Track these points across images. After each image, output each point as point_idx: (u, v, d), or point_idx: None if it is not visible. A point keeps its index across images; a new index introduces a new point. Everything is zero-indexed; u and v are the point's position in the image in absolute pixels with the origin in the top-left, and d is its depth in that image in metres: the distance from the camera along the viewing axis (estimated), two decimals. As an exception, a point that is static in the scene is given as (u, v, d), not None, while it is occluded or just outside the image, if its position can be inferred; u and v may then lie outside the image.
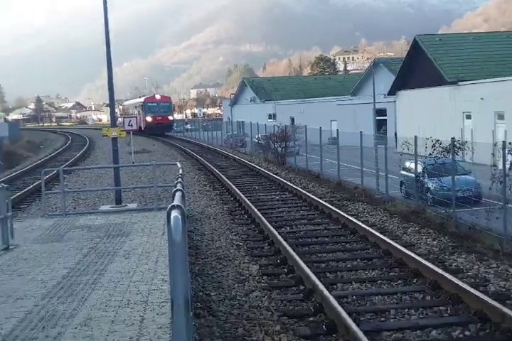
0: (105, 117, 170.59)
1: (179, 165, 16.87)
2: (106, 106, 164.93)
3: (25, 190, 22.52)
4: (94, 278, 8.56)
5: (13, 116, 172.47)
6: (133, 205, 17.58)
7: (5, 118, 73.41)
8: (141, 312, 6.80)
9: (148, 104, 61.87)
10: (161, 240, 11.25)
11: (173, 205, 4.98)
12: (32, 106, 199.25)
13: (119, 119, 47.44)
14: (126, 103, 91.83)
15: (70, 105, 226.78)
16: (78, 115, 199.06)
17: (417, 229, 14.54)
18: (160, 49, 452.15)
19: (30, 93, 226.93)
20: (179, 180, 13.05)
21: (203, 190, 22.71)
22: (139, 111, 67.32)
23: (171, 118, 65.43)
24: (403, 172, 20.63)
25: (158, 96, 66.58)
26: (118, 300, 7.35)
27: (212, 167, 29.49)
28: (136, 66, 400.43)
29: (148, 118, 60.67)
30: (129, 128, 31.08)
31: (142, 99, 67.04)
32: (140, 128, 58.16)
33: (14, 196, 18.77)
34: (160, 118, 61.26)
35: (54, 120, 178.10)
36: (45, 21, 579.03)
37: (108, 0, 18.53)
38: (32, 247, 11.12)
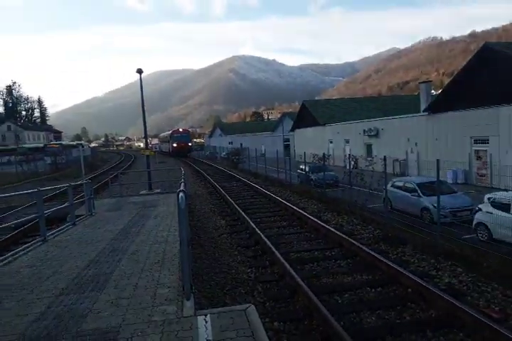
0: (142, 144, 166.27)
1: (182, 170, 16.60)
2: (143, 138, 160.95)
3: (101, 183, 21.87)
4: (139, 229, 8.29)
5: (92, 144, 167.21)
6: (158, 190, 17.16)
7: (88, 145, 70.99)
8: (163, 247, 6.65)
9: (174, 135, 50.07)
10: (174, 209, 11.02)
11: (180, 190, 4.93)
12: (103, 139, 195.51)
13: (150, 145, 47.31)
14: (161, 135, 77.62)
15: (122, 138, 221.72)
16: (127, 143, 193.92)
17: (306, 200, 14.64)
18: (170, 108, 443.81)
19: (101, 132, 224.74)
20: (183, 177, 12.88)
21: (195, 181, 22.42)
22: (168, 140, 55.12)
23: (189, 144, 52.66)
24: (299, 171, 20.85)
25: (181, 129, 53.80)
26: (151, 240, 7.17)
27: (199, 169, 29.12)
28: (158, 117, 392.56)
29: (174, 144, 49.23)
30: (155, 149, 30.68)
31: (170, 132, 54.96)
32: (169, 150, 51.78)
33: (95, 186, 18.08)
34: (182, 144, 49.39)
35: (115, 146, 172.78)
36: (105, 92, 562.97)
37: (143, 79, 18.12)
38: (104, 214, 10.74)
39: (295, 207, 12.16)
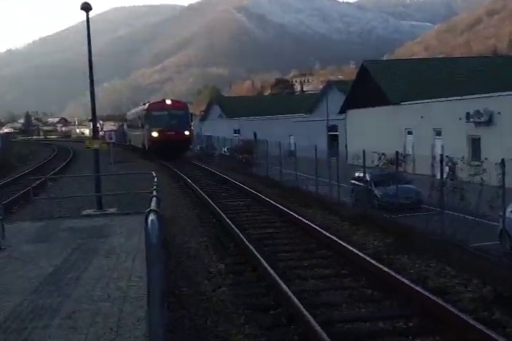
0: (87, 131, 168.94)
1: (154, 174, 16.75)
2: (89, 121, 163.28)
3: (16, 195, 22.13)
4: (79, 275, 8.45)
5: (4, 129, 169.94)
6: (113, 210, 17.37)
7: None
8: (119, 307, 6.71)
9: (154, 114, 40.77)
10: (138, 241, 11.10)
11: (150, 209, 4.95)
12: (21, 121, 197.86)
13: (101, 133, 46.75)
14: (129, 114, 67.53)
15: (56, 120, 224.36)
16: (63, 129, 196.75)
17: (364, 231, 14.57)
18: (136, 71, 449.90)
19: (20, 109, 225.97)
20: (154, 187, 12.99)
21: (176, 194, 22.66)
22: (141, 123, 45.99)
23: (187, 133, 41.92)
24: (353, 182, 20.81)
25: (168, 102, 43.11)
26: (99, 295, 7.25)
27: (182, 174, 29.41)
28: (115, 86, 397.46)
29: (154, 134, 39.69)
30: (109, 140, 31.18)
31: (145, 107, 44.63)
32: (144, 145, 44.14)
33: (5, 201, 18.41)
34: (172, 133, 39.56)
35: (42, 133, 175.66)
36: (34, 45, 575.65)
37: (90, 25, 18.52)
38: (22, 248, 10.92)
39: (345, 244, 12.15)
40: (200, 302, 9.05)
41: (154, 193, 10.24)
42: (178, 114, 41.73)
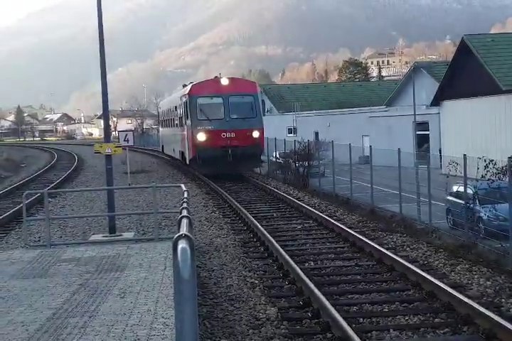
0: (97, 131, 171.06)
1: (184, 187, 16.87)
2: (98, 118, 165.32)
3: (4, 215, 22.41)
4: (84, 321, 8.52)
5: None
6: (129, 234, 17.57)
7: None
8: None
9: (200, 102, 32.35)
10: (162, 276, 11.22)
11: (181, 235, 4.99)
12: (12, 117, 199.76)
13: (114, 133, 46.82)
14: (163, 103, 59.05)
15: (56, 117, 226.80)
16: (65, 128, 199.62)
17: (468, 266, 14.42)
18: (161, 52, 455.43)
19: (9, 103, 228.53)
20: (184, 205, 13.10)
21: (213, 215, 22.79)
22: (179, 120, 37.48)
23: (256, 135, 33.20)
24: (450, 198, 20.54)
25: (225, 81, 33.73)
26: None
27: (220, 189, 29.62)
28: (132, 72, 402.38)
29: (200, 137, 31.63)
30: (125, 144, 31.21)
31: (186, 90, 35.00)
32: (183, 157, 36.67)
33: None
34: (230, 134, 31.59)
35: (37, 134, 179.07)
36: (25, 19, 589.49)
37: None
38: (11, 283, 11.11)
39: (440, 283, 12.02)
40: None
41: (185, 213, 10.31)
42: (243, 103, 32.73)
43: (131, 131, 44.52)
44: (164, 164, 51.28)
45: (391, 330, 10.25)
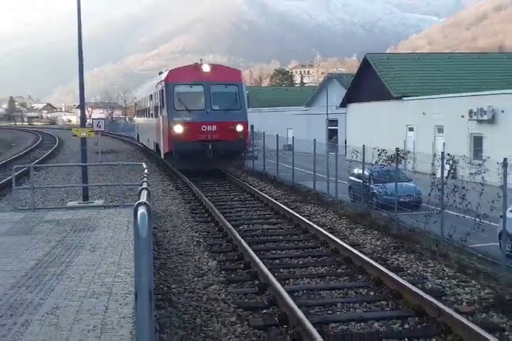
0: (74, 118, 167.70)
1: (144, 165, 16.71)
2: (76, 108, 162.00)
3: (-4, 184, 22.02)
4: (61, 270, 8.42)
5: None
6: (99, 202, 17.36)
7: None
8: (104, 303, 6.72)
9: (178, 90, 24.50)
10: (125, 235, 11.12)
11: (140, 202, 4.92)
12: (5, 106, 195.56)
13: (89, 120, 45.78)
14: (140, 91, 48.16)
15: (41, 106, 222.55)
16: (49, 115, 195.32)
17: (362, 229, 14.71)
18: (129, 56, 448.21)
19: (3, 93, 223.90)
20: (144, 179, 12.95)
21: (165, 189, 22.65)
22: (155, 109, 28.79)
23: (240, 128, 24.96)
24: (351, 178, 20.87)
25: (206, 68, 25.11)
26: (83, 291, 7.25)
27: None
28: (106, 72, 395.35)
29: (177, 129, 23.95)
30: (98, 129, 30.62)
31: (163, 76, 26.31)
32: (158, 150, 28.55)
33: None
34: (210, 127, 24.21)
35: (26, 120, 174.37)
36: (19, 27, 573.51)
37: (81, 8, 18.44)
38: (1, 239, 10.89)
39: (342, 243, 12.24)
40: (190, 300, 9.04)
41: (145, 185, 10.19)
42: (226, 93, 24.50)
43: (102, 119, 43.63)
44: (132, 147, 50.62)
45: (304, 278, 10.41)
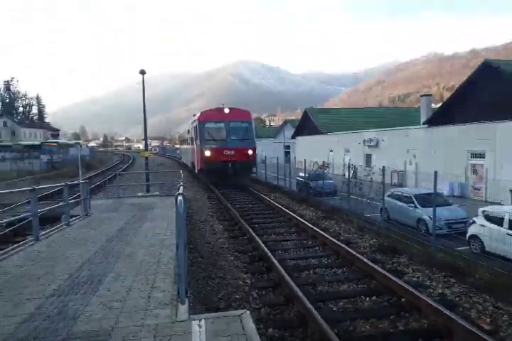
0: (142, 145, 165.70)
1: (181, 172, 16.64)
2: (143, 139, 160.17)
3: (98, 183, 21.78)
4: (135, 231, 8.29)
5: (90, 143, 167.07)
6: (156, 193, 17.17)
7: (86, 145, 70.52)
8: (159, 250, 6.64)
9: (207, 126, 20.41)
10: (172, 212, 11.02)
11: (179, 193, 4.96)
12: (101, 139, 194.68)
13: (150, 147, 45.26)
14: (182, 128, 42.51)
15: (122, 138, 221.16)
16: (126, 144, 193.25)
17: (304, 207, 14.67)
18: (173, 110, 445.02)
19: (100, 131, 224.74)
20: (181, 179, 12.92)
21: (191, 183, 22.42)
22: (192, 139, 24.17)
23: (250, 152, 19.93)
24: (298, 178, 20.93)
25: (226, 110, 20.60)
26: (147, 243, 7.18)
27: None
28: (159, 119, 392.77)
29: (207, 153, 19.63)
30: (155, 152, 30.40)
31: (196, 117, 21.74)
32: (193, 165, 24.04)
33: (91, 187, 18.11)
34: (230, 151, 19.71)
35: (113, 146, 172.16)
36: (106, 91, 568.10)
37: (146, 80, 18.22)
38: (100, 215, 10.74)
39: (293, 214, 12.20)
40: (208, 248, 8.98)
41: (181, 183, 10.18)
42: (239, 127, 20.99)
43: (157, 146, 43.10)
44: (174, 162, 50.17)
45: (272, 235, 10.15)
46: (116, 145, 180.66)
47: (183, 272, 4.31)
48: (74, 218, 10.01)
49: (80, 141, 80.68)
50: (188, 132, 26.09)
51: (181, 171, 17.41)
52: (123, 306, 4.24)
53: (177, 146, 60.78)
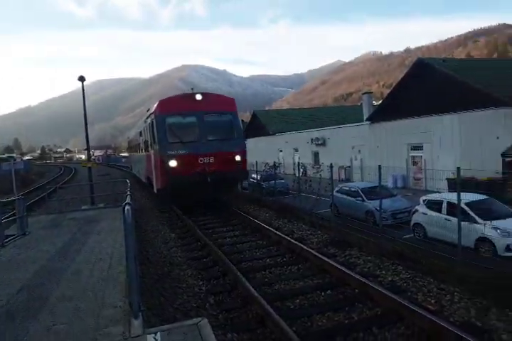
0: (83, 156, 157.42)
1: (128, 181, 16.01)
2: (84, 150, 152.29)
3: (36, 198, 20.27)
4: (80, 247, 7.85)
5: (26, 157, 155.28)
6: (101, 205, 16.34)
7: (21, 158, 65.31)
8: (108, 264, 6.36)
9: (170, 121, 11.97)
10: (119, 223, 10.59)
11: (126, 202, 4.79)
12: (39, 151, 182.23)
13: (92, 157, 42.97)
14: (132, 130, 30.36)
15: (62, 150, 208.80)
16: (67, 155, 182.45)
17: (258, 207, 14.73)
18: (117, 117, 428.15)
19: (38, 143, 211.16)
20: (128, 189, 12.46)
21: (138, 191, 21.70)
22: (146, 143, 15.48)
23: (238, 157, 12.57)
24: (251, 180, 20.95)
25: (198, 97, 12.27)
26: (94, 258, 6.82)
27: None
28: (102, 127, 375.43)
29: (171, 162, 11.77)
30: (98, 161, 28.86)
31: (152, 109, 13.08)
32: (150, 184, 15.82)
33: (29, 202, 16.83)
34: (207, 158, 12.05)
35: (53, 159, 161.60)
36: (43, 100, 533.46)
37: (86, 88, 17.36)
38: (40, 232, 9.98)
39: (246, 215, 12.24)
40: (160, 258, 8.75)
41: (128, 193, 9.84)
42: (220, 122, 13.20)
43: (100, 155, 41.07)
44: (120, 172, 48.07)
45: (227, 238, 10.14)
46: (55, 157, 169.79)
47: (135, 285, 4.16)
48: (9, 238, 9.24)
49: (14, 155, 74.50)
50: (141, 134, 18.09)
51: (127, 180, 16.75)
52: (69, 329, 4.01)
53: (124, 154, 57.60)
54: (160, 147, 12.24)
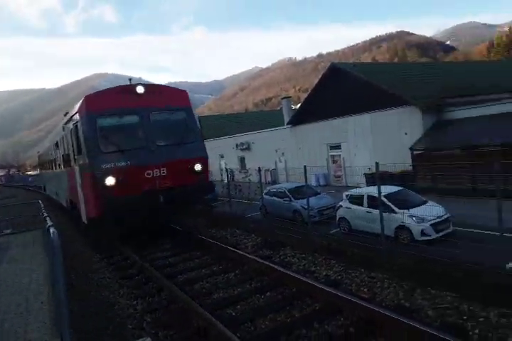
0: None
1: (40, 202, 14.49)
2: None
3: None
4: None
5: None
6: (8, 231, 14.54)
7: None
8: (26, 296, 5.70)
9: (103, 123, 8.21)
10: (31, 249, 9.54)
11: (50, 224, 4.37)
12: None
13: None
14: (44, 143, 24.72)
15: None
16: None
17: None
18: (20, 132, 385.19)
19: None
20: (44, 210, 11.31)
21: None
22: (67, 156, 10.61)
23: (198, 167, 9.29)
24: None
25: (140, 89, 8.65)
26: (8, 291, 6.05)
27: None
28: (2, 144, 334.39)
29: (108, 180, 8.04)
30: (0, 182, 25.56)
31: (76, 109, 9.00)
32: (75, 208, 10.76)
33: None
34: (157, 171, 8.61)
35: None
36: None
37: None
38: None
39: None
40: (85, 281, 8.09)
41: (46, 214, 8.90)
42: (172, 121, 9.47)
43: (3, 176, 36.55)
44: (27, 192, 43.31)
45: (157, 252, 9.77)
46: None
47: (65, 315, 3.78)
48: None
49: None
50: (57, 145, 13.61)
51: (40, 201, 15.18)
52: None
53: (32, 173, 50.79)
54: (90, 159, 8.55)
